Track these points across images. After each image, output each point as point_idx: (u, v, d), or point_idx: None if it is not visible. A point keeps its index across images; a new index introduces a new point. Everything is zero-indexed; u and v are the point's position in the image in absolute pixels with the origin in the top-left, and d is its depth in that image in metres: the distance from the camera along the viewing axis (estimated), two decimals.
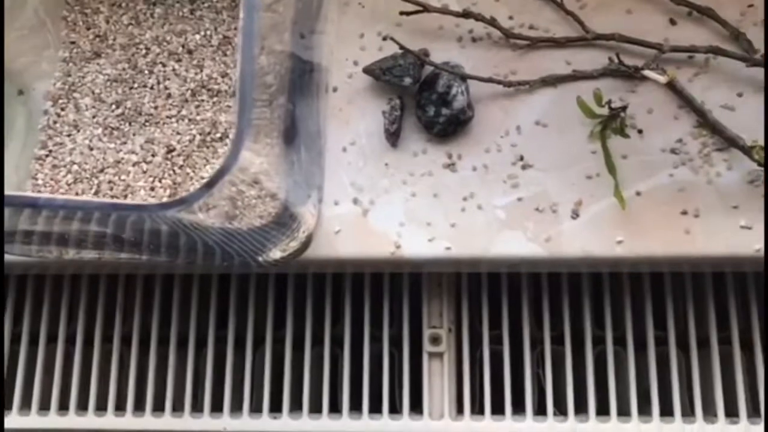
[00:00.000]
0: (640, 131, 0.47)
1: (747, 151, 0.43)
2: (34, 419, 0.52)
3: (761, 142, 0.44)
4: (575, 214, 0.46)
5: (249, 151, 0.30)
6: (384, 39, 0.49)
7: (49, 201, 0.27)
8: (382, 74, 0.46)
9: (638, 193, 0.46)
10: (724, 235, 0.45)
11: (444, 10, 0.47)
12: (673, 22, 0.48)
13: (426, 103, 0.46)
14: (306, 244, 0.45)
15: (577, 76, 0.47)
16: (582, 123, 0.47)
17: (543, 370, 0.52)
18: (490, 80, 0.46)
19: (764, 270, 0.44)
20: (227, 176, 0.27)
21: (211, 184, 0.27)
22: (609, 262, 0.45)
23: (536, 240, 0.45)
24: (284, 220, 0.39)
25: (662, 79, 0.39)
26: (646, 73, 0.39)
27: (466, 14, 0.47)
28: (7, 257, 0.47)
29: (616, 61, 0.46)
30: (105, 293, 0.55)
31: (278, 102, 0.39)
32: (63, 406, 0.53)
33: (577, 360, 0.52)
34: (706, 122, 0.42)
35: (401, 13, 0.48)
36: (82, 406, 0.53)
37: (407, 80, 0.46)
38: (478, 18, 0.47)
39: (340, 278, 0.54)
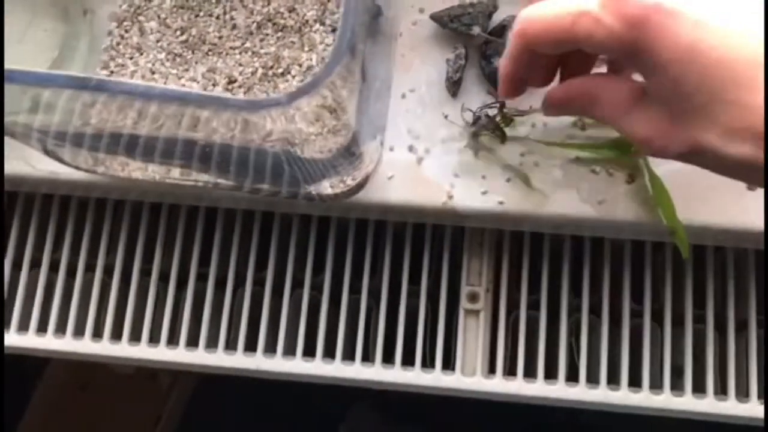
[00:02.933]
0: None
1: None
2: (68, 342, 0.52)
3: None
4: (631, 179, 0.45)
5: (337, 74, 0.30)
6: None
7: (138, 87, 0.26)
8: (449, 21, 0.46)
9: None
10: None
11: None
12: None
13: (492, 55, 0.45)
14: (361, 185, 0.45)
15: None
16: None
17: (578, 339, 0.52)
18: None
19: (765, 262, 0.44)
20: (320, 87, 0.27)
21: (305, 91, 0.27)
22: (658, 230, 0.45)
23: (590, 201, 0.45)
24: (348, 155, 0.39)
25: None
26: None
27: None
28: (57, 173, 0.48)
29: None
30: (146, 225, 0.55)
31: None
32: (97, 334, 0.53)
33: (612, 332, 0.52)
34: None
35: None
36: (116, 336, 0.53)
37: (476, 29, 0.45)
38: None
39: (382, 229, 0.54)
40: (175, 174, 0.41)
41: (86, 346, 0.52)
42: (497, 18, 0.47)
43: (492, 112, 0.46)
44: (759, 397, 0.49)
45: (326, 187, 0.42)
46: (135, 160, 0.38)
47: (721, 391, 0.50)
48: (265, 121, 0.29)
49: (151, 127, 0.32)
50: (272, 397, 0.93)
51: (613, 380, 0.51)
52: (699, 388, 0.50)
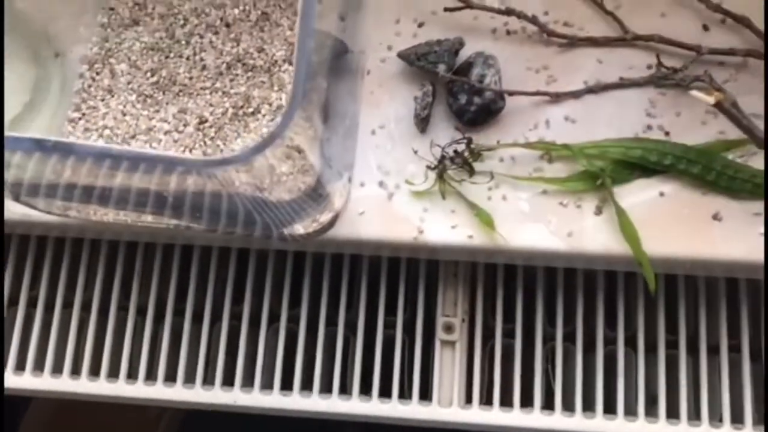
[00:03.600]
0: (666, 133, 0.47)
1: None
2: (47, 381, 0.53)
3: None
4: (599, 211, 0.46)
5: (295, 122, 0.30)
6: (419, 26, 0.49)
7: (95, 149, 0.27)
8: (416, 60, 0.47)
9: (661, 194, 0.46)
10: (744, 241, 0.45)
11: (487, 7, 0.48)
12: (706, 28, 0.49)
13: (458, 91, 0.46)
14: (331, 223, 0.45)
15: (624, 84, 0.48)
16: (609, 124, 0.47)
17: (553, 366, 0.52)
18: (537, 93, 0.47)
19: (764, 272, 0.45)
20: (279, 139, 0.27)
21: (261, 146, 0.27)
22: (627, 260, 0.45)
23: (558, 234, 0.46)
24: (316, 196, 0.39)
25: (710, 99, 0.40)
26: (694, 93, 0.40)
27: (508, 11, 0.47)
28: (30, 216, 0.48)
29: (656, 64, 0.47)
30: (123, 262, 0.55)
31: (317, 81, 0.39)
32: (75, 371, 0.53)
33: (587, 358, 0.52)
34: (753, 138, 0.42)
35: (446, 9, 0.48)
36: (94, 372, 0.53)
37: (441, 67, 0.46)
38: (520, 16, 0.48)
39: (357, 262, 0.54)
40: (148, 219, 0.41)
41: (65, 383, 0.53)
42: (464, 54, 0.48)
43: (460, 147, 0.46)
44: (732, 422, 0.50)
45: (298, 228, 0.43)
46: (108, 209, 0.38)
47: (695, 416, 0.51)
48: (226, 176, 0.29)
49: (121, 181, 0.33)
50: (259, 428, 0.92)
51: (589, 407, 0.51)
52: (673, 414, 0.50)
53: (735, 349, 0.52)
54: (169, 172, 0.28)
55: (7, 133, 0.28)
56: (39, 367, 0.53)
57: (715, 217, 0.45)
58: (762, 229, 0.45)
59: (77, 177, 0.34)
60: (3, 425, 0.52)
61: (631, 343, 0.53)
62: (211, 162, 0.28)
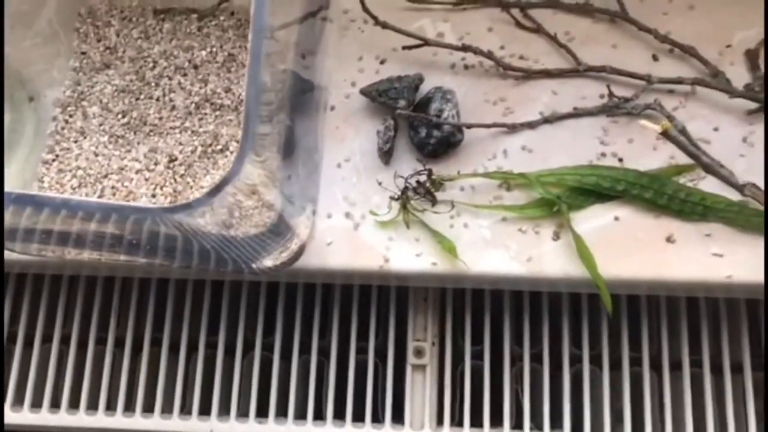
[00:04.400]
0: (620, 160, 0.49)
1: (739, 188, 0.45)
2: (25, 416, 0.54)
3: (744, 177, 0.46)
4: (556, 236, 0.48)
5: (250, 163, 0.32)
6: (381, 63, 0.51)
7: (52, 200, 0.29)
8: (378, 96, 0.49)
9: (616, 218, 0.48)
10: (697, 262, 0.47)
11: (444, 44, 0.50)
12: (655, 58, 0.51)
13: (419, 125, 0.48)
14: (298, 254, 0.47)
15: (578, 113, 0.49)
16: (564, 152, 0.49)
17: (521, 386, 0.54)
18: (493, 125, 0.49)
19: (764, 288, 0.46)
20: (230, 185, 0.29)
21: (215, 191, 0.29)
22: (586, 282, 0.47)
23: (518, 259, 0.47)
24: (279, 230, 0.41)
25: (657, 128, 0.42)
26: (643, 123, 0.42)
27: (464, 48, 0.49)
28: (8, 256, 0.49)
29: (608, 94, 0.49)
30: (101, 296, 0.56)
31: (278, 118, 0.41)
32: (54, 404, 0.54)
33: (554, 378, 0.54)
34: (700, 163, 0.44)
35: (404, 48, 0.50)
36: (74, 405, 0.54)
37: (402, 102, 0.48)
38: (477, 52, 0.50)
39: (329, 290, 0.56)
40: (121, 258, 0.43)
41: (44, 417, 0.54)
42: (424, 89, 0.50)
43: (422, 178, 0.48)
44: None
45: (266, 261, 0.44)
46: (82, 250, 0.40)
47: (660, 429, 0.52)
48: (189, 221, 0.31)
49: (93, 228, 0.34)
50: None
51: (557, 425, 0.53)
52: (638, 429, 0.52)
53: (696, 364, 0.54)
54: (123, 220, 0.30)
55: None
56: (19, 401, 0.54)
57: (669, 239, 0.47)
58: (715, 250, 0.47)
59: (52, 224, 0.35)
60: None
61: (596, 361, 0.54)
62: (168, 209, 0.30)
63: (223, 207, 0.31)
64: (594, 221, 0.48)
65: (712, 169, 0.45)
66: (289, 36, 0.41)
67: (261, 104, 0.32)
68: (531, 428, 0.52)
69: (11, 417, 0.54)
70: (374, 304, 0.55)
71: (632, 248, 0.47)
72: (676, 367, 0.54)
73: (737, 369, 0.53)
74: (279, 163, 0.39)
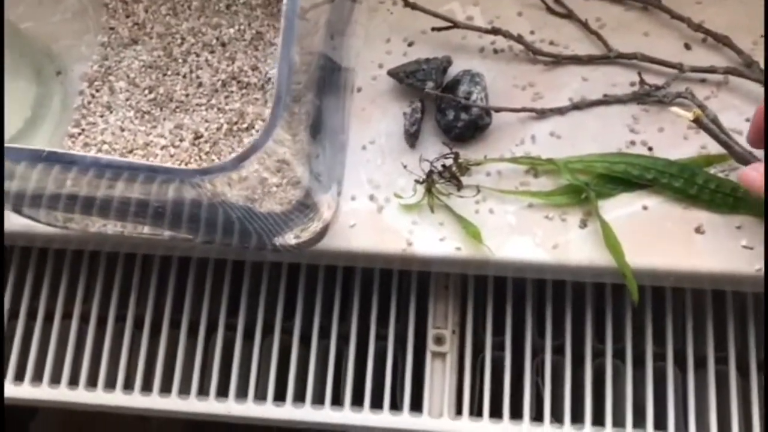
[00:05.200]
0: (650, 148, 0.48)
1: None
2: (44, 391, 0.54)
3: None
4: (583, 224, 0.47)
5: (279, 140, 0.31)
6: (409, 45, 0.51)
7: (86, 159, 0.28)
8: (405, 77, 0.48)
9: (645, 207, 0.47)
10: (726, 254, 0.46)
11: (473, 27, 0.50)
12: (688, 46, 0.50)
13: (446, 108, 0.47)
14: (321, 233, 0.46)
15: (609, 101, 0.49)
16: (593, 139, 0.49)
17: (542, 378, 0.53)
18: (522, 110, 0.48)
19: (764, 283, 0.45)
20: (259, 152, 0.29)
21: (242, 157, 0.29)
22: (612, 272, 0.46)
23: (543, 246, 0.47)
24: (304, 207, 0.41)
25: (689, 116, 0.41)
26: (674, 110, 0.41)
27: (494, 31, 0.49)
28: (30, 229, 0.49)
29: (639, 81, 0.48)
30: (122, 274, 0.56)
31: (306, 98, 0.41)
32: (73, 381, 0.54)
33: (576, 371, 0.53)
34: (731, 153, 0.43)
35: (434, 29, 0.50)
36: (92, 383, 0.54)
37: (429, 84, 0.48)
38: (506, 35, 0.49)
39: (350, 274, 0.56)
40: (145, 230, 0.43)
41: (63, 393, 0.54)
42: (452, 72, 0.49)
43: (448, 162, 0.47)
44: None
45: (289, 237, 0.44)
46: (108, 220, 0.39)
47: (683, 428, 0.51)
48: (213, 185, 0.31)
49: (120, 192, 0.34)
50: None
51: (577, 419, 0.52)
52: (660, 425, 0.51)
53: (722, 361, 0.53)
54: (151, 181, 0.30)
55: (8, 144, 0.29)
56: (38, 377, 0.54)
57: (698, 230, 0.46)
58: (744, 242, 0.46)
59: (77, 188, 0.35)
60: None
61: (619, 355, 0.54)
62: (195, 171, 0.29)
63: (248, 180, 0.31)
64: (622, 209, 0.47)
65: (744, 159, 0.44)
66: (319, 16, 0.41)
67: (291, 82, 0.32)
68: (551, 421, 0.52)
69: (30, 392, 0.54)
70: (395, 290, 0.55)
71: (660, 238, 0.46)
72: (700, 363, 0.53)
73: (764, 367, 0.52)
74: (306, 141, 0.38)
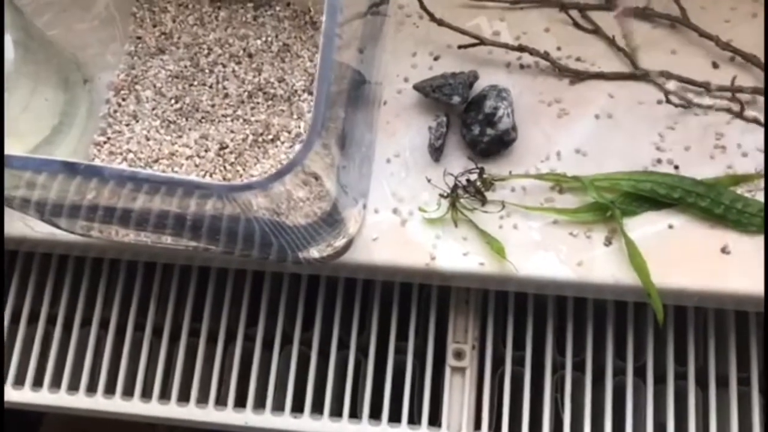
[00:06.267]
0: (676, 167, 0.48)
1: None
2: (62, 398, 0.54)
3: None
4: (608, 242, 0.47)
5: (315, 153, 0.31)
6: (435, 59, 0.51)
7: (115, 171, 0.28)
8: (431, 92, 0.48)
9: (670, 227, 0.47)
10: (752, 275, 0.46)
11: (500, 44, 0.49)
12: (715, 65, 0.50)
13: (472, 122, 0.47)
14: (346, 247, 0.46)
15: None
16: (619, 157, 0.48)
17: (562, 395, 0.53)
18: None
19: (764, 297, 0.45)
20: (296, 169, 0.29)
21: (280, 174, 0.29)
22: (636, 291, 0.46)
23: (568, 263, 0.46)
24: (331, 222, 0.40)
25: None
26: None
27: (521, 48, 0.49)
28: (54, 235, 0.49)
29: (666, 101, 0.48)
30: (141, 282, 0.56)
31: (336, 111, 0.41)
32: (91, 389, 0.54)
33: (596, 388, 0.53)
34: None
35: (460, 47, 0.50)
36: (110, 390, 0.54)
37: (456, 99, 0.47)
38: (533, 52, 0.49)
39: (369, 287, 0.55)
40: (167, 240, 0.43)
41: (80, 401, 0.54)
42: (478, 87, 0.49)
43: (473, 176, 0.47)
44: None
45: (313, 252, 0.44)
46: (128, 229, 0.39)
47: None
48: (245, 200, 0.30)
49: (142, 203, 0.34)
50: None
51: None
52: None
53: (744, 382, 0.52)
54: (189, 195, 0.30)
55: (39, 155, 0.30)
56: (56, 383, 0.54)
57: (724, 250, 0.46)
58: None
59: (100, 198, 0.35)
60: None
61: (640, 373, 0.53)
62: (234, 187, 0.29)
63: (282, 190, 0.31)
64: (647, 228, 0.47)
65: None
66: (354, 31, 0.41)
67: (330, 99, 0.32)
68: None
69: (48, 398, 0.54)
70: (415, 303, 0.55)
71: (685, 258, 0.46)
72: (722, 383, 0.52)
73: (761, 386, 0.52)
74: (336, 154, 0.38)
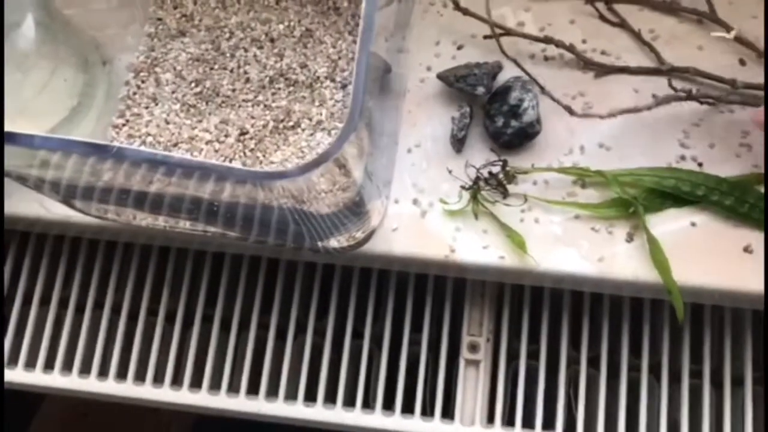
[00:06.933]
0: (700, 164, 0.48)
1: None
2: (73, 381, 0.53)
3: None
4: (630, 238, 0.46)
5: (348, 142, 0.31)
6: (458, 48, 0.50)
7: (147, 155, 0.28)
8: (455, 81, 0.47)
9: (693, 224, 0.46)
10: None
11: (525, 35, 0.49)
12: (743, 62, 0.49)
13: (496, 114, 0.47)
14: (366, 239, 0.46)
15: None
16: (642, 153, 0.48)
17: (576, 390, 0.52)
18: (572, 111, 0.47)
19: (764, 294, 0.45)
20: (332, 158, 0.28)
21: (316, 163, 0.28)
22: (656, 288, 0.46)
23: (589, 258, 0.46)
24: (356, 212, 0.40)
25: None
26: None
27: (546, 40, 0.48)
28: (68, 217, 0.49)
29: (685, 93, 0.47)
30: (155, 267, 0.56)
31: (366, 101, 0.40)
32: (102, 373, 0.54)
33: (610, 384, 0.52)
34: None
35: (485, 37, 0.49)
36: (122, 375, 0.54)
37: (480, 89, 0.47)
38: (558, 44, 0.48)
39: (385, 278, 0.55)
40: (183, 225, 0.42)
41: (91, 384, 0.53)
42: (502, 78, 0.48)
43: (495, 169, 0.47)
44: None
45: (333, 242, 0.43)
46: (144, 212, 0.39)
47: None
48: (278, 188, 0.30)
49: (159, 186, 0.34)
50: None
51: None
52: None
53: (759, 381, 0.52)
54: (222, 181, 0.29)
55: (65, 136, 0.29)
56: (68, 366, 0.54)
57: (746, 249, 0.46)
58: None
59: (116, 181, 0.35)
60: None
61: (655, 371, 0.53)
62: (270, 174, 0.29)
63: (309, 179, 0.30)
64: (669, 225, 0.46)
65: None
66: (386, 18, 0.40)
67: (367, 89, 0.31)
68: None
69: (60, 381, 0.53)
70: (430, 295, 0.54)
71: (707, 256, 0.46)
72: (738, 382, 0.52)
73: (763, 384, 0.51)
74: (367, 142, 0.38)
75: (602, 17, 0.50)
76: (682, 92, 0.47)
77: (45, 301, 0.56)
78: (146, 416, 0.95)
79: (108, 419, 0.95)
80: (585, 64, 0.49)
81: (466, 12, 0.49)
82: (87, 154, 0.28)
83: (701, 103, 0.48)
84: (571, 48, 0.49)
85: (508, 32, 0.49)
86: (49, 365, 0.54)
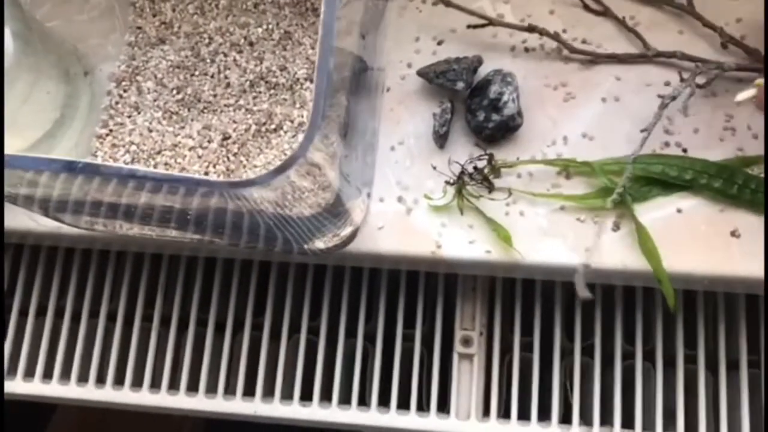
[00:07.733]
0: (684, 150, 0.47)
1: None
2: (72, 389, 0.54)
3: None
4: (616, 227, 0.46)
5: (316, 144, 0.31)
6: (438, 44, 0.50)
7: (113, 169, 0.28)
8: (435, 77, 0.47)
9: (679, 210, 0.46)
10: (762, 258, 0.45)
11: (509, 24, 0.49)
12: (724, 46, 0.49)
13: (476, 108, 0.47)
14: (351, 237, 0.46)
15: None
16: (627, 139, 0.48)
17: (571, 381, 0.52)
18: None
19: (764, 278, 0.44)
20: (299, 161, 0.28)
21: (282, 168, 0.28)
22: (645, 276, 0.46)
23: (576, 249, 0.46)
24: (335, 212, 0.40)
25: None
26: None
27: (530, 28, 0.48)
28: (60, 228, 0.49)
29: (680, 79, 0.47)
30: (148, 273, 0.56)
31: (338, 100, 0.40)
32: (100, 380, 0.55)
33: (605, 373, 0.52)
34: None
35: (469, 27, 0.49)
36: (119, 381, 0.54)
37: (460, 84, 0.47)
38: (542, 32, 0.48)
39: (376, 275, 0.55)
40: (172, 233, 0.42)
41: (90, 392, 0.54)
42: (482, 72, 0.48)
43: (480, 163, 0.47)
44: None
45: (318, 243, 0.44)
46: (131, 223, 0.39)
47: (714, 431, 0.51)
48: (248, 195, 0.30)
49: (145, 199, 0.34)
50: None
51: (606, 421, 0.51)
52: (691, 429, 0.50)
53: (755, 365, 0.52)
54: (191, 194, 0.29)
55: (38, 155, 0.29)
56: (66, 375, 0.55)
57: (733, 233, 0.46)
58: None
59: (102, 195, 0.35)
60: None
61: (649, 357, 0.53)
62: (236, 183, 0.29)
63: (286, 183, 0.30)
64: (655, 212, 0.46)
65: None
66: (353, 15, 0.40)
67: (330, 91, 0.31)
68: (579, 424, 0.51)
69: (58, 390, 0.54)
70: (422, 291, 0.55)
71: (694, 241, 0.46)
72: (732, 366, 0.52)
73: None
74: (338, 144, 0.38)
75: (586, 6, 0.50)
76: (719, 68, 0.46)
77: (41, 312, 0.57)
78: (159, 418, 0.96)
79: (125, 426, 0.96)
80: (571, 52, 0.49)
81: (448, 4, 0.49)
82: (56, 171, 0.28)
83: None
84: (556, 36, 0.49)
85: (492, 22, 0.48)
86: (47, 375, 0.55)
